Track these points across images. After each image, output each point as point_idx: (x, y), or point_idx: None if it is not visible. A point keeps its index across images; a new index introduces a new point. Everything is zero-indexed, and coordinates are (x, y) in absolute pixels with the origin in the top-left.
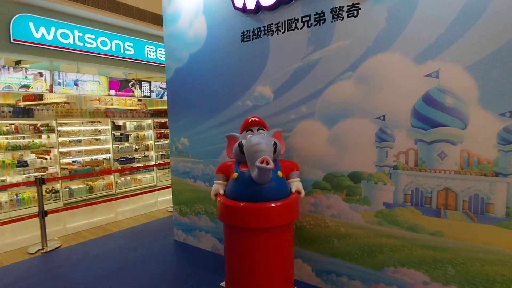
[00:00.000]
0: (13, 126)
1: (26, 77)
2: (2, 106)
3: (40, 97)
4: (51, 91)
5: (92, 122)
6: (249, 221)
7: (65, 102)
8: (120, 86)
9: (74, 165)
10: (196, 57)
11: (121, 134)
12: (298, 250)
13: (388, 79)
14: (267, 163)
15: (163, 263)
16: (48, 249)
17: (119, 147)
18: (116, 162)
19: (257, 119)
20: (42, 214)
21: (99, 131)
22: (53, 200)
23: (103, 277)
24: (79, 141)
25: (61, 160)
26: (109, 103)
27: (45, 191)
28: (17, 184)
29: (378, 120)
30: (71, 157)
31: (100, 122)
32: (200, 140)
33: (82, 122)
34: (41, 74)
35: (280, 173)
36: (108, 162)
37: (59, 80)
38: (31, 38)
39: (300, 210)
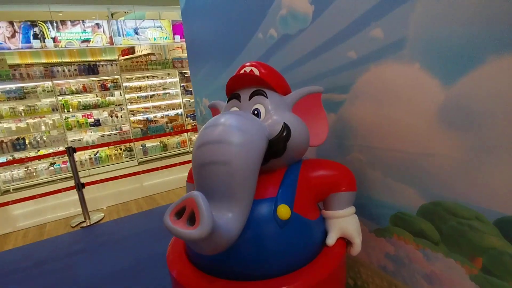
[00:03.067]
0: (80, 85)
1: (85, 30)
2: (68, 65)
3: (131, 51)
4: (111, 43)
5: (156, 75)
6: None
7: (150, 54)
8: None
9: (144, 122)
10: None
11: None
12: None
13: None
14: (192, 221)
15: None
16: (91, 222)
17: (191, 101)
18: (189, 118)
19: (254, 69)
20: (79, 186)
21: (170, 84)
22: (129, 158)
23: (104, 278)
24: (147, 96)
25: (131, 118)
26: None
27: (121, 149)
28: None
29: None
30: (141, 114)
31: (169, 74)
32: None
33: (147, 77)
34: (98, 26)
35: (284, 210)
36: (181, 118)
37: (120, 30)
38: None
39: (363, 258)
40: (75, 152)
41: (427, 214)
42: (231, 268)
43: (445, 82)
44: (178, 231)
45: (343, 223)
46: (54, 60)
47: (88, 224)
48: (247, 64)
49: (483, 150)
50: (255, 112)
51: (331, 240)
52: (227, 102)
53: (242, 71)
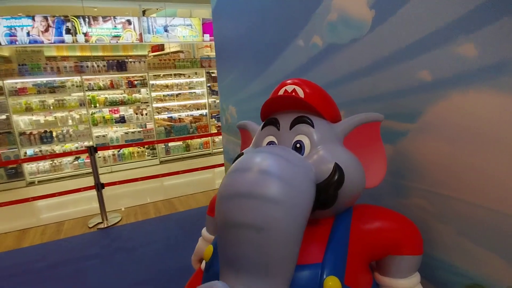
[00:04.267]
0: (108, 81)
1: (115, 26)
2: (98, 60)
3: (161, 47)
4: (140, 40)
5: (183, 74)
6: None
7: (178, 51)
8: None
9: (168, 121)
10: None
11: None
12: None
13: None
14: None
15: None
16: (108, 224)
17: (216, 101)
18: (213, 119)
19: (298, 88)
20: (98, 187)
21: (196, 83)
22: (151, 156)
23: None
24: (173, 95)
25: (155, 116)
26: None
27: (144, 147)
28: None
29: None
30: (166, 112)
31: (196, 73)
32: (249, 112)
33: (174, 75)
34: (129, 22)
35: (333, 284)
36: (205, 118)
37: (150, 27)
38: None
39: None
40: (96, 152)
41: None
42: None
43: None
44: None
45: None
46: (88, 54)
47: (105, 226)
48: (288, 81)
49: None
50: (298, 145)
51: None
52: (262, 128)
53: (281, 91)
